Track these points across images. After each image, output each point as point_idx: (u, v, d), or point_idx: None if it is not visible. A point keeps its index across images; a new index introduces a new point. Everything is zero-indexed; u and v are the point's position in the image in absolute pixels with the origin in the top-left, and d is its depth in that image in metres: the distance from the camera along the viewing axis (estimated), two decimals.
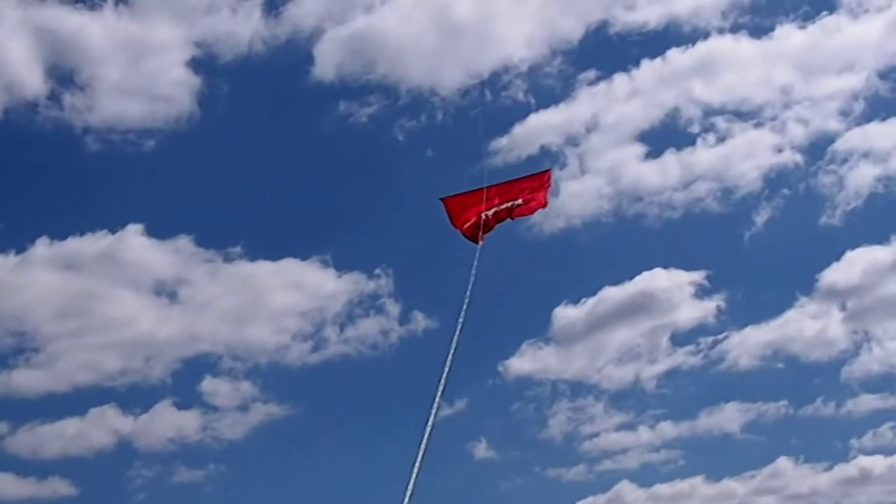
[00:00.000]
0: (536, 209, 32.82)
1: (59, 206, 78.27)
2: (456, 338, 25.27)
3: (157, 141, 76.36)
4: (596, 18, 79.11)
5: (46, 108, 74.78)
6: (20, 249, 73.02)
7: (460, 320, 25.87)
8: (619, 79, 79.34)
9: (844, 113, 77.84)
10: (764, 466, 72.38)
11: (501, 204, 32.34)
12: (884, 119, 79.06)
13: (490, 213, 31.97)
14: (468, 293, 27.11)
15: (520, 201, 32.46)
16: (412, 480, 21.20)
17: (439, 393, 23.93)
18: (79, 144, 76.18)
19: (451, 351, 24.95)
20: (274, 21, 77.27)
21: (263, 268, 75.68)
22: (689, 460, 73.09)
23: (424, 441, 22.40)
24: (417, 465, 21.52)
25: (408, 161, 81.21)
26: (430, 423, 23.01)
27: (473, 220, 31.87)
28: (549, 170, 34.10)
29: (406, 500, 20.58)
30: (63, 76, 75.03)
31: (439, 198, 33.16)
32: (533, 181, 33.37)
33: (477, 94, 77.08)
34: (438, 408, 23.63)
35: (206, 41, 75.79)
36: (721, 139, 78.39)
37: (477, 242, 30.99)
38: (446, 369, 24.48)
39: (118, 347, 73.02)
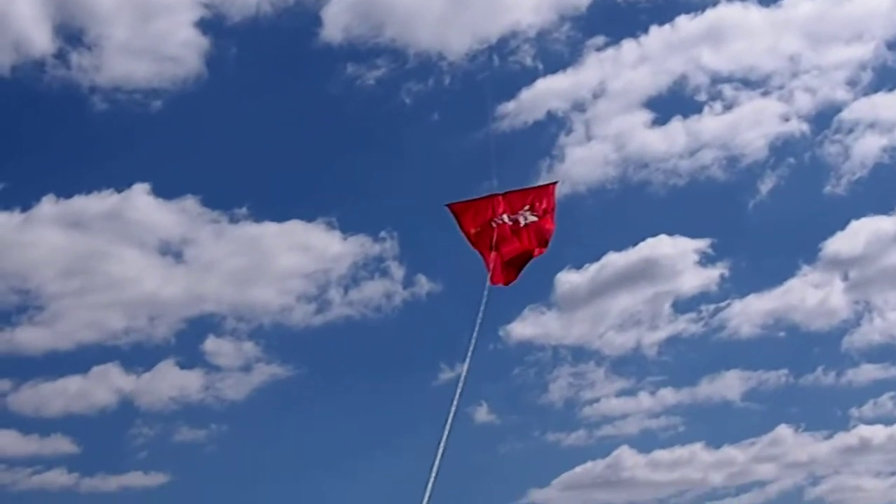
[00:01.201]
0: (542, 243, 32.65)
1: (66, 165, 78.73)
2: (462, 380, 25.10)
3: (164, 101, 76.44)
4: None
5: (54, 66, 74.78)
6: (25, 207, 73.15)
7: (465, 367, 25.65)
8: (628, 45, 79.22)
9: (852, 83, 77.83)
10: (764, 434, 72.84)
11: (512, 214, 32.25)
12: (891, 90, 79.16)
13: (503, 220, 31.87)
14: (474, 336, 26.83)
15: (529, 213, 32.33)
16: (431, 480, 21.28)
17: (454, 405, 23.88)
18: (86, 104, 76.28)
19: (459, 389, 24.81)
20: None
21: (269, 229, 75.97)
22: (689, 427, 73.52)
23: (441, 447, 22.48)
24: (435, 470, 21.60)
25: (414, 125, 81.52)
26: (446, 430, 22.99)
27: (486, 245, 31.75)
28: (556, 182, 33.96)
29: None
30: (71, 35, 74.99)
31: (445, 204, 33.00)
32: (541, 192, 33.24)
33: (485, 58, 76.91)
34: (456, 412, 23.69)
35: (215, 2, 75.75)
36: (728, 107, 78.40)
37: (491, 277, 30.90)
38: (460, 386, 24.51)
39: (122, 306, 73.51)
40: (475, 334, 26.44)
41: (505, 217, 32.16)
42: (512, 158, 78.32)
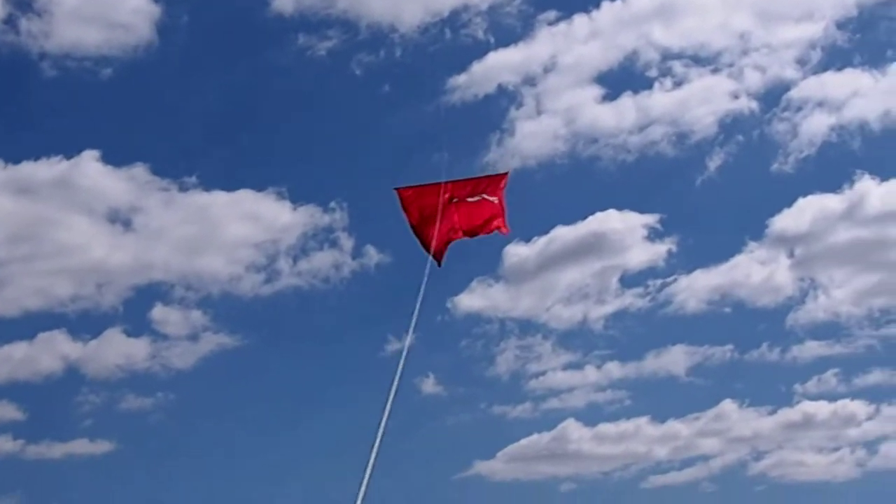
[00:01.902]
0: (497, 229, 32.74)
1: (14, 130, 77.77)
2: (404, 355, 25.34)
3: (114, 69, 75.89)
4: None
5: (2, 32, 74.27)
6: None
7: (408, 337, 25.87)
8: (579, 20, 79.21)
9: (801, 62, 78.28)
10: (708, 409, 73.39)
11: (460, 200, 32.30)
12: (840, 69, 79.62)
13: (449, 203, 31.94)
14: (417, 309, 27.17)
15: (476, 197, 32.39)
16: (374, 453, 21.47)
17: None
18: (34, 70, 75.72)
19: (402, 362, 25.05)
20: None
21: (218, 198, 75.67)
22: (634, 401, 74.02)
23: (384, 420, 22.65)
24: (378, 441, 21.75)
25: (365, 96, 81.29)
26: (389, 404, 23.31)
27: (432, 224, 31.81)
28: (507, 172, 34.07)
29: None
30: (20, 1, 74.65)
31: (394, 188, 33.14)
32: (491, 182, 33.33)
33: (437, 31, 77.07)
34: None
35: None
36: (678, 84, 78.62)
37: (433, 254, 31.03)
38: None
39: (70, 273, 73.09)
40: (418, 307, 26.67)
41: (453, 201, 32.25)
42: (462, 131, 78.75)
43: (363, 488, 20.55)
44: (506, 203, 32.95)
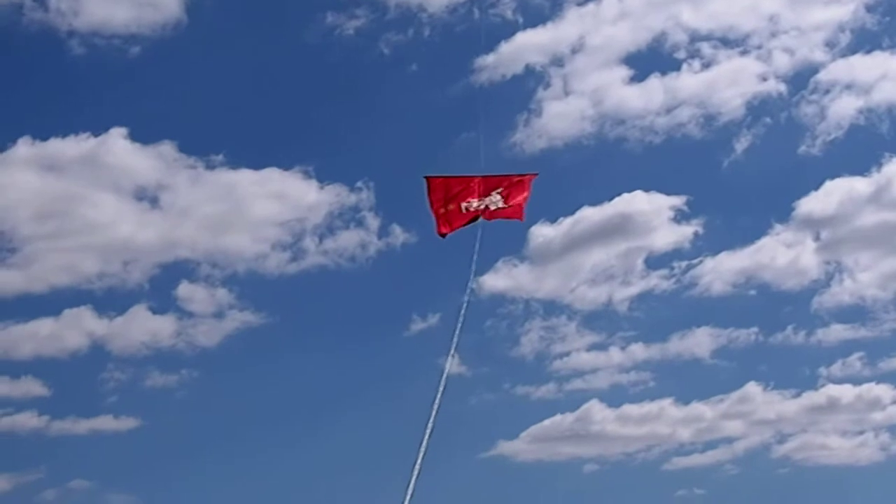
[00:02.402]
0: (512, 217, 32.86)
1: (43, 107, 77.97)
2: (453, 350, 25.52)
3: (142, 47, 76.20)
4: None
5: (31, 9, 74.66)
6: (1, 149, 72.91)
7: (449, 359, 25.95)
8: (608, 1, 79.34)
9: (830, 44, 78.00)
10: (733, 391, 73.31)
11: (483, 197, 32.42)
12: (868, 52, 79.25)
13: (471, 206, 32.08)
14: (465, 300, 27.38)
15: (499, 199, 32.54)
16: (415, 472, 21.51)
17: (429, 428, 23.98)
18: (63, 48, 75.99)
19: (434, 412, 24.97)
20: None
21: (245, 176, 75.78)
22: (658, 382, 74.06)
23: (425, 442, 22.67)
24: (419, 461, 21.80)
25: (393, 75, 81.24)
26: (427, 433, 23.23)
27: (453, 209, 32.01)
28: (535, 173, 34.14)
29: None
30: None
31: (424, 176, 33.35)
32: (518, 183, 33.36)
33: (465, 11, 76.92)
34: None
35: None
36: (706, 65, 78.46)
37: (442, 233, 31.20)
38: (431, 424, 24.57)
39: (96, 250, 73.44)
40: (467, 296, 26.68)
41: (474, 203, 32.34)
42: (489, 112, 78.53)
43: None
44: (530, 193, 33.06)
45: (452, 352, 25.25)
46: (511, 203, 32.64)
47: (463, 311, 25.95)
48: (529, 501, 70.88)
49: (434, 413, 22.95)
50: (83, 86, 78.66)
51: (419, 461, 21.53)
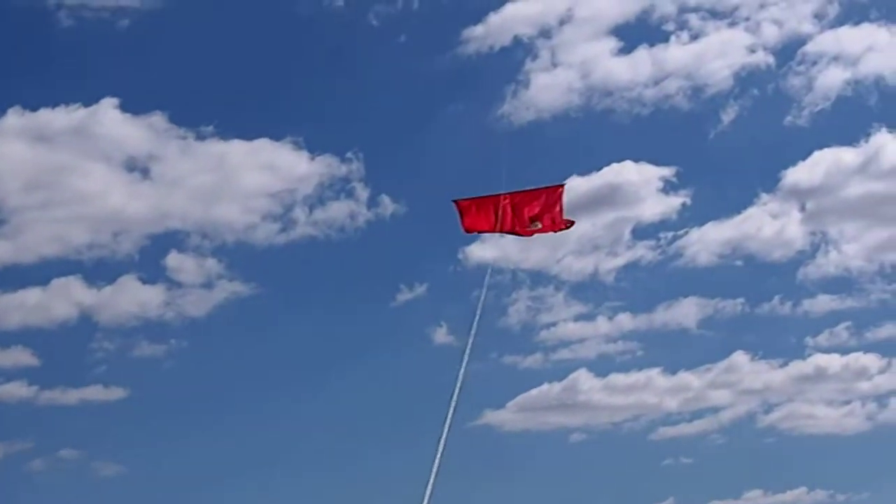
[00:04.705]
0: (557, 231, 33.05)
1: (33, 78, 78.04)
2: (467, 352, 25.74)
3: (131, 20, 76.50)
4: None
5: None
6: None
7: (470, 339, 25.93)
8: None
9: (818, 16, 78.16)
10: (720, 361, 73.97)
11: (515, 217, 32.55)
12: (856, 23, 79.37)
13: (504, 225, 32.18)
14: (477, 314, 27.80)
15: (539, 225, 32.70)
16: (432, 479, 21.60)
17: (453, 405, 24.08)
18: (51, 20, 76.24)
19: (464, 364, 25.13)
20: None
21: (236, 147, 76.10)
22: (646, 352, 74.73)
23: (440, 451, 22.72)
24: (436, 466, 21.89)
25: (381, 47, 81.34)
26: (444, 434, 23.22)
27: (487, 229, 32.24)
28: (562, 185, 34.28)
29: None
30: None
31: (452, 200, 33.55)
32: (547, 195, 33.46)
33: None
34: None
35: None
36: (694, 37, 78.62)
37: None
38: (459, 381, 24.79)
39: (86, 221, 73.63)
40: (478, 311, 26.62)
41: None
42: (477, 83, 78.88)
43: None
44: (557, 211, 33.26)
45: (464, 367, 25.12)
46: (550, 222, 32.77)
47: (470, 344, 25.86)
48: (516, 471, 71.21)
49: (446, 429, 22.85)
50: (74, 56, 78.85)
51: (432, 478, 21.64)
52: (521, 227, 32.90)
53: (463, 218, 33.16)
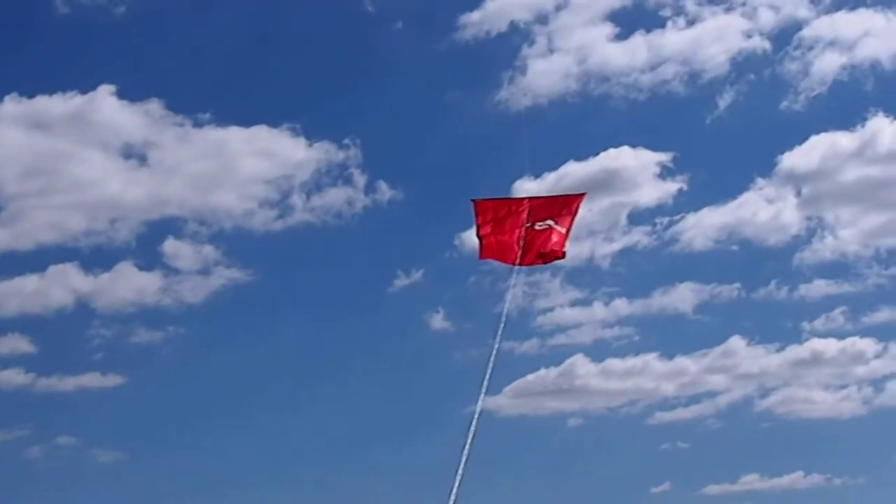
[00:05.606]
0: (552, 252, 32.64)
1: (30, 64, 78.31)
2: (495, 351, 25.54)
3: (127, 6, 76.57)
4: None
5: None
6: None
7: (496, 343, 25.95)
8: None
9: (815, 1, 78.15)
10: (716, 346, 74.05)
11: (534, 223, 32.21)
12: (852, 8, 79.79)
13: (523, 235, 31.75)
14: (503, 317, 27.32)
15: (551, 223, 32.33)
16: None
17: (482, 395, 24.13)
18: (48, 7, 76.44)
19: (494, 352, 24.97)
20: None
21: (233, 134, 75.97)
22: (642, 337, 74.75)
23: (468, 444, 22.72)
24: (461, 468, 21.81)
25: (378, 33, 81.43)
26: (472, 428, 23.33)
27: (507, 240, 31.98)
28: (583, 193, 33.50)
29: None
30: None
31: (471, 199, 33.33)
32: (566, 203, 33.08)
33: None
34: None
35: None
36: (691, 23, 78.59)
37: (512, 263, 31.11)
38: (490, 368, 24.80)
39: (83, 208, 73.69)
40: (504, 315, 26.56)
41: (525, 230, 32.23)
42: (474, 69, 78.97)
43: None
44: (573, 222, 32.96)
45: (482, 396, 25.06)
46: (558, 236, 32.42)
47: (485, 385, 25.75)
48: (513, 456, 71.31)
49: (466, 450, 22.82)
50: (71, 43, 79.03)
51: (460, 469, 21.65)
52: (541, 256, 32.36)
53: (478, 218, 32.81)
